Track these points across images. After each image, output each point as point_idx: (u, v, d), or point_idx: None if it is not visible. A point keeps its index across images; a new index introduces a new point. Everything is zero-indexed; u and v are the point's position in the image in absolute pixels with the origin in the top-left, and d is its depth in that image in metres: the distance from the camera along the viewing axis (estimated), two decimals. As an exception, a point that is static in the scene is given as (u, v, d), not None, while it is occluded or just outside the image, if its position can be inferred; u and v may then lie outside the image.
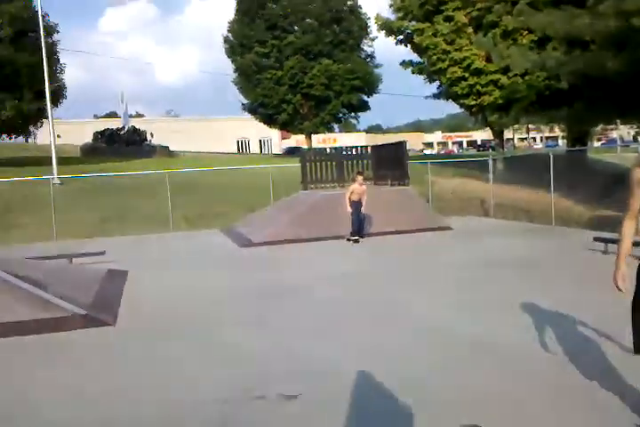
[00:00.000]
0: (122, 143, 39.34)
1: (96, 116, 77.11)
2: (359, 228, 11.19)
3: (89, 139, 40.92)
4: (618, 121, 29.49)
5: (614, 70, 13.83)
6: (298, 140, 58.84)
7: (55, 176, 19.21)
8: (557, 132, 44.37)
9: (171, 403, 3.76)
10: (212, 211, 16.19)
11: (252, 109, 42.21)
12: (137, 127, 42.42)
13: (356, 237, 11.07)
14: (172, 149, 41.81)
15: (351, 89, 39.84)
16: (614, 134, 58.94)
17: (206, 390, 3.93)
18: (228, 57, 41.66)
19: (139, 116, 75.26)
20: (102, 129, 41.18)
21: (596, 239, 8.79)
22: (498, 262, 8.25)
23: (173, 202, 14.76)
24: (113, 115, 69.69)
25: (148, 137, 41.79)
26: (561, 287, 6.59)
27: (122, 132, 40.98)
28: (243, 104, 42.71)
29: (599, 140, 58.92)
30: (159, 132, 45.32)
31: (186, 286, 7.63)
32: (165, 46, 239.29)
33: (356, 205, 11.05)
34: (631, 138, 58.25)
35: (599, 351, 4.33)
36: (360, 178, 11.24)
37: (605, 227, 12.23)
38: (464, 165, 21.71)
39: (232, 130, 59.57)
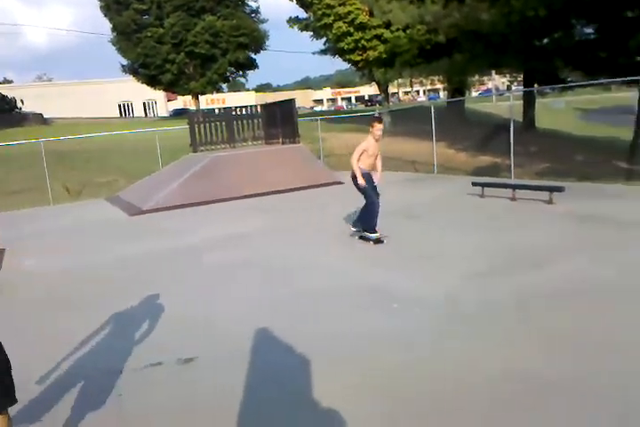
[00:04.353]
0: (-11, 112, 35.92)
1: (-42, 84, 69.31)
2: (373, 218, 6.75)
3: (-50, 109, 36.91)
4: (493, 72, 31.09)
5: (488, 23, 14.39)
6: (185, 101, 56.68)
7: None
8: (438, 85, 46.50)
9: (62, 376, 3.62)
10: (96, 180, 15.36)
11: (133, 70, 39.84)
12: (5, 94, 38.79)
13: (377, 236, 6.68)
14: (46, 116, 38.79)
15: (237, 46, 38.57)
16: (490, 85, 62.24)
17: (100, 361, 3.81)
18: (105, 15, 38.61)
19: (7, 82, 68.65)
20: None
21: (474, 184, 9.38)
22: (386, 211, 8.57)
23: (51, 173, 13.77)
24: (-24, 82, 62.98)
25: (19, 104, 38.44)
26: (441, 229, 6.99)
27: (-13, 100, 37.32)
28: (123, 65, 40.15)
29: (476, 91, 61.95)
30: (31, 98, 41.81)
31: (72, 260, 7.24)
32: (34, 6, 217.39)
33: (368, 176, 6.73)
34: (505, 88, 61.79)
35: (484, 283, 4.68)
36: (379, 126, 6.62)
37: (483, 173, 13.08)
38: (353, 121, 22.04)
39: (112, 93, 56.05)
